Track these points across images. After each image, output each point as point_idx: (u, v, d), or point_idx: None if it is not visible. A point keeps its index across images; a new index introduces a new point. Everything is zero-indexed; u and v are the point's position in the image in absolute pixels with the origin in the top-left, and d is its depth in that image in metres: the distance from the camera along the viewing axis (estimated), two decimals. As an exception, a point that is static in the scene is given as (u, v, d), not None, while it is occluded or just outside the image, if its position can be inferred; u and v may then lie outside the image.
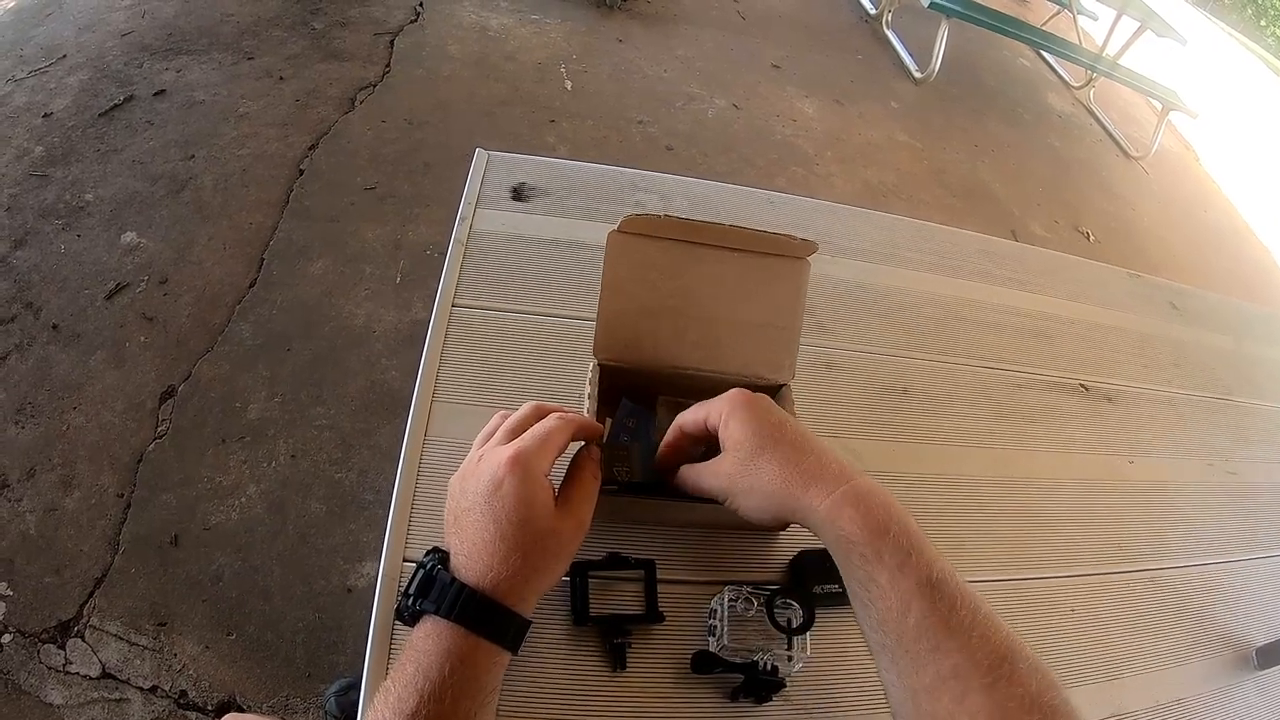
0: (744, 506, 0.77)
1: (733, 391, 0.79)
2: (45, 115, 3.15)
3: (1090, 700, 1.03)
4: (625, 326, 0.96)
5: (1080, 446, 1.38)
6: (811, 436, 0.76)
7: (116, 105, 3.26)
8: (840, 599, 0.93)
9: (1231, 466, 1.49)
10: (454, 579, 0.67)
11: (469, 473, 0.74)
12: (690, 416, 0.82)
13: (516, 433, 0.75)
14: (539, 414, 0.78)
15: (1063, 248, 3.10)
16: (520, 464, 0.70)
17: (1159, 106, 6.20)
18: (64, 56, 3.45)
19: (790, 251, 0.96)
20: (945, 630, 0.61)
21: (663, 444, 0.86)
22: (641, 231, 0.92)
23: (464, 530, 0.70)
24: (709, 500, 0.87)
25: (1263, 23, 13.02)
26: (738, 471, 0.75)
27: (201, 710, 1.88)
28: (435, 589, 0.67)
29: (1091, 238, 4.92)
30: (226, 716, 0.89)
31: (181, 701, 1.88)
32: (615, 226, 0.92)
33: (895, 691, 0.64)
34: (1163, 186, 6.16)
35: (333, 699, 1.90)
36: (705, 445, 0.83)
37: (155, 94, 3.37)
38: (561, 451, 0.76)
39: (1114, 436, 1.42)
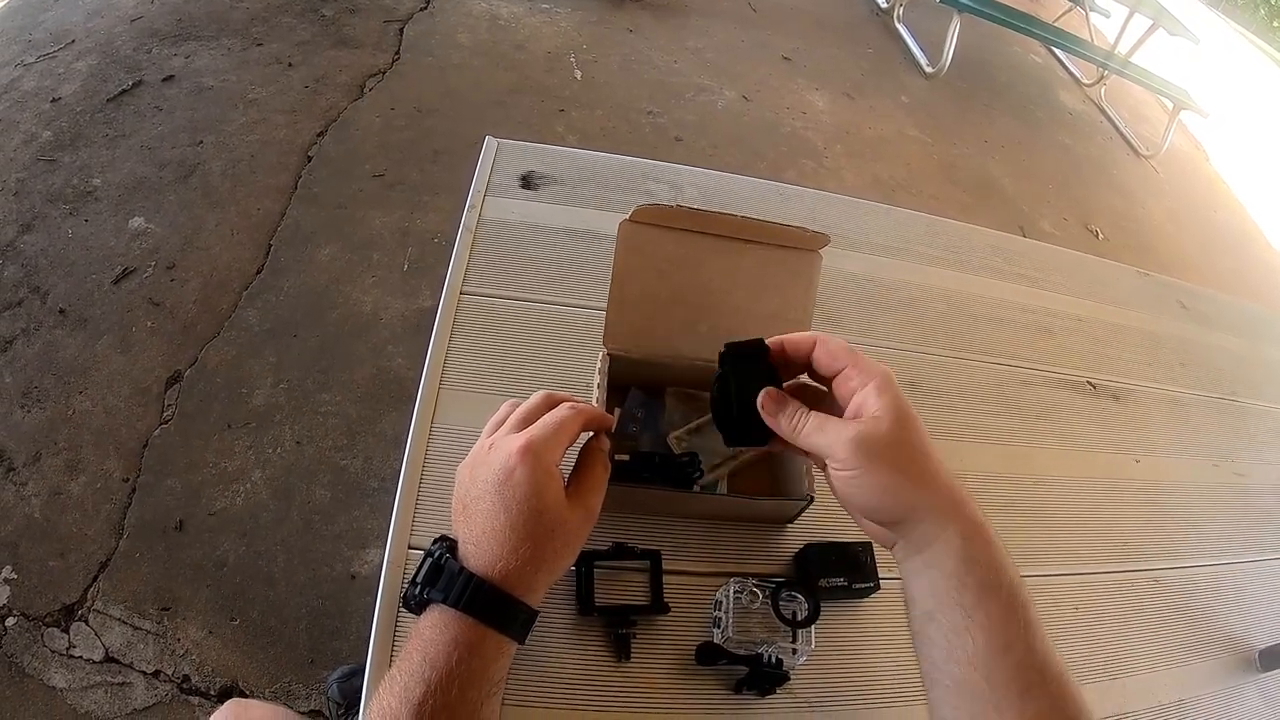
0: (857, 486, 0.68)
1: (885, 367, 0.71)
2: (54, 100, 3.15)
3: (1092, 699, 1.02)
4: (635, 316, 0.96)
5: (1086, 444, 1.38)
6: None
7: (125, 90, 3.26)
8: (845, 593, 0.94)
9: (1237, 468, 1.49)
10: (463, 568, 0.67)
11: (479, 461, 0.73)
12: (837, 349, 0.73)
13: (527, 422, 0.75)
14: (550, 403, 0.78)
15: (1072, 245, 3.08)
16: (532, 453, 0.69)
17: (1170, 105, 6.18)
18: (73, 41, 3.45)
19: (802, 244, 0.96)
20: (1040, 676, 0.61)
21: (778, 340, 0.77)
22: (653, 221, 0.92)
23: (473, 519, 0.70)
24: (718, 494, 0.88)
25: (1276, 24, 12.97)
26: (889, 441, 0.66)
27: (204, 695, 1.88)
28: (444, 578, 0.67)
29: (1100, 236, 4.91)
30: (228, 702, 0.89)
31: (184, 686, 1.89)
32: (626, 216, 0.92)
33: None
34: (1173, 186, 6.14)
35: (335, 685, 1.90)
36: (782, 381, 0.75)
37: (164, 80, 3.37)
38: (573, 441, 0.76)
39: (1120, 435, 1.42)
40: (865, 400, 0.69)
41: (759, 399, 0.74)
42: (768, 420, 0.73)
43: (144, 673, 1.89)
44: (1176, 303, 1.83)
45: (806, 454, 0.74)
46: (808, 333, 0.75)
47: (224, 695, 1.90)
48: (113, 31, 3.56)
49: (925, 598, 0.66)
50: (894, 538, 0.70)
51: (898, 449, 0.66)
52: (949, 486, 0.67)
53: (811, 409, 0.72)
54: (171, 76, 3.39)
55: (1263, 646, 1.19)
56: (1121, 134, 6.36)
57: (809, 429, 0.70)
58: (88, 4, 3.69)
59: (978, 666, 0.61)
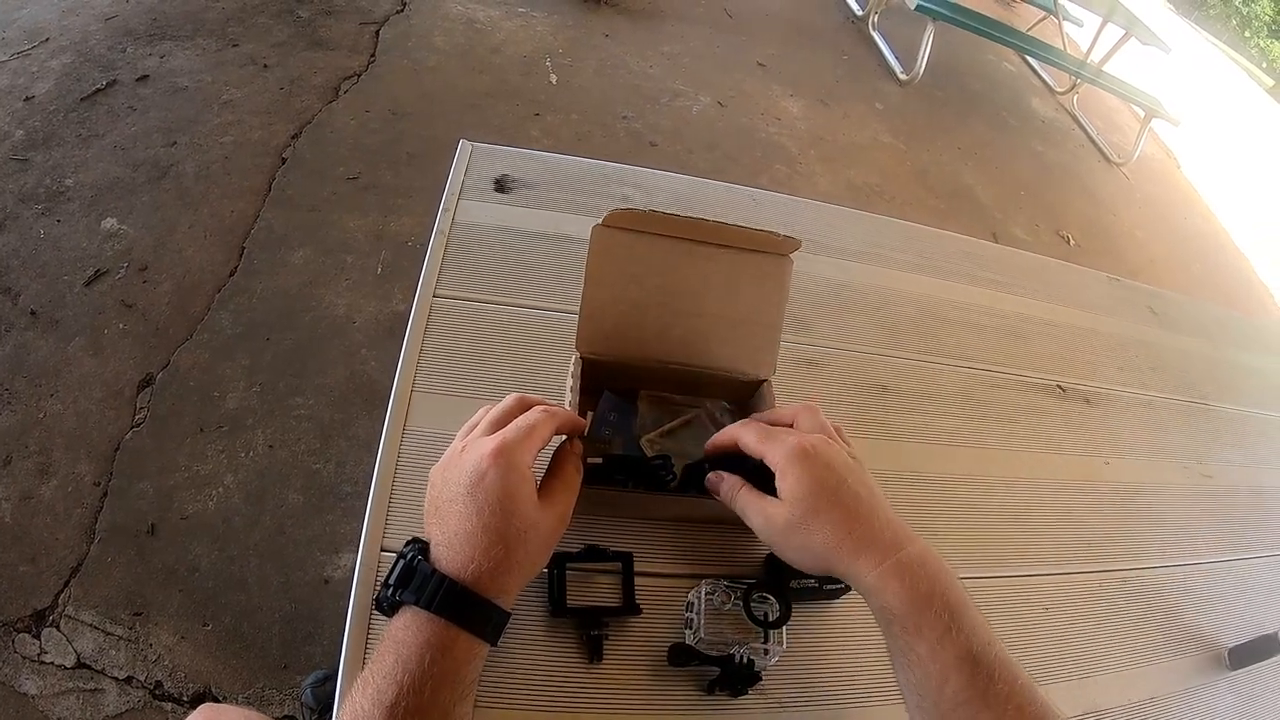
0: (788, 557, 0.78)
1: (794, 441, 0.78)
2: (27, 99, 3.12)
3: (1063, 698, 1.04)
4: (608, 320, 0.96)
5: (1057, 447, 1.39)
6: (868, 495, 0.76)
7: (99, 90, 3.23)
8: (816, 594, 0.94)
9: (1206, 469, 1.50)
10: (435, 570, 0.66)
11: (451, 463, 0.73)
12: (751, 442, 0.81)
13: (500, 425, 0.75)
14: (522, 406, 0.78)
15: (1043, 251, 3.11)
16: (504, 456, 0.70)
17: (1141, 113, 6.25)
18: (47, 40, 3.42)
19: (774, 248, 0.97)
20: (982, 702, 0.64)
21: (711, 443, 0.87)
22: (626, 225, 0.92)
23: (446, 521, 0.70)
24: (691, 494, 0.88)
25: (1247, 33, 13.12)
26: (789, 526, 0.75)
27: (177, 701, 1.87)
28: (416, 580, 0.66)
29: (1072, 242, 4.96)
30: (201, 707, 0.89)
31: (157, 692, 1.87)
32: (599, 220, 0.92)
33: None
34: (1144, 193, 6.21)
35: (309, 690, 1.89)
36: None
37: (138, 79, 3.35)
38: (545, 444, 0.76)
39: (1091, 438, 1.44)
40: (779, 483, 0.77)
41: (706, 477, 0.86)
42: (710, 489, 0.85)
43: (116, 679, 1.87)
44: (1146, 308, 1.85)
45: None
46: (728, 429, 0.85)
47: (196, 701, 1.88)
48: (87, 30, 3.53)
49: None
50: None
51: (812, 525, 0.74)
52: (870, 543, 0.73)
53: None
54: (146, 76, 3.37)
55: (1232, 645, 1.20)
56: (1093, 141, 6.43)
57: (739, 503, 0.81)
58: (62, 2, 3.66)
59: (926, 696, 0.67)
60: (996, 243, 3.02)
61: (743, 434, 0.82)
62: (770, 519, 0.77)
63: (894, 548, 0.71)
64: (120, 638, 1.93)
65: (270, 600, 2.05)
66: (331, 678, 1.86)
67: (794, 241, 0.95)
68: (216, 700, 1.89)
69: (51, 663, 1.86)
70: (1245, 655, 1.18)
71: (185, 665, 1.92)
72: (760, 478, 0.80)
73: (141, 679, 1.88)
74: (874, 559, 0.71)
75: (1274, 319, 5.84)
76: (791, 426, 0.85)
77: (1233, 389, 1.75)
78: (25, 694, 1.82)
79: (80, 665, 1.87)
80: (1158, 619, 1.20)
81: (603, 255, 0.94)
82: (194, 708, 0.89)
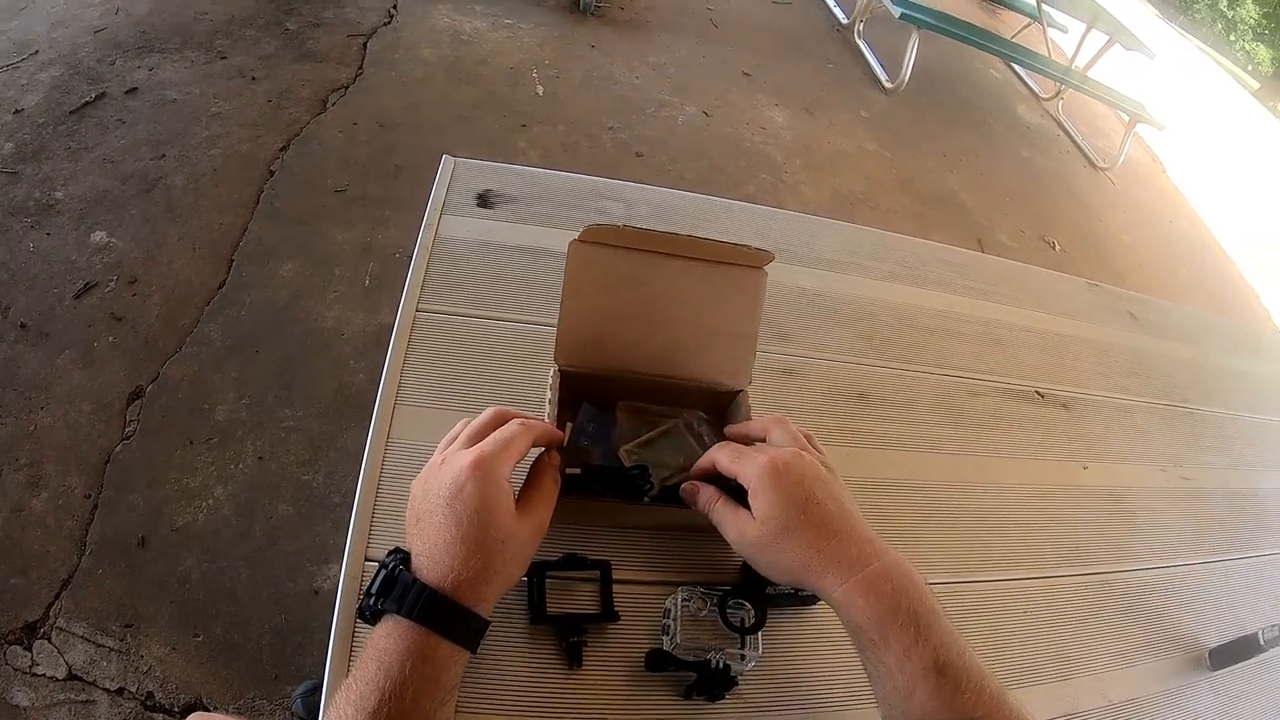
0: (761, 570, 0.81)
1: (766, 460, 0.80)
2: (16, 111, 3.13)
3: (1044, 700, 1.05)
4: (586, 333, 0.98)
5: (1035, 452, 1.40)
6: (838, 510, 0.78)
7: (88, 102, 3.24)
8: (790, 600, 0.95)
9: (1185, 472, 1.52)
10: (415, 579, 0.68)
11: (431, 476, 0.75)
12: (726, 462, 0.84)
13: (479, 437, 0.77)
14: (501, 419, 0.80)
15: (1029, 257, 3.13)
16: (482, 468, 0.72)
17: (1126, 118, 6.28)
18: (36, 52, 3.42)
19: (748, 261, 0.98)
20: (948, 711, 0.66)
21: (695, 469, 0.90)
22: (601, 240, 0.94)
23: (426, 532, 0.71)
24: (669, 503, 0.90)
25: (1232, 37, 13.18)
26: (760, 543, 0.78)
27: (168, 712, 1.88)
28: (397, 589, 0.68)
29: (1057, 247, 4.98)
30: (192, 716, 0.90)
31: (148, 703, 1.88)
32: (576, 235, 0.94)
33: None
34: (1130, 197, 6.23)
35: (299, 700, 1.90)
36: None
37: (127, 92, 3.36)
38: (522, 456, 0.78)
39: (1069, 443, 1.45)
40: (752, 501, 0.80)
41: (681, 486, 0.89)
42: (686, 499, 0.88)
43: (107, 690, 1.88)
44: (1127, 313, 1.86)
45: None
46: (706, 454, 0.88)
47: (188, 711, 1.89)
48: (76, 42, 3.54)
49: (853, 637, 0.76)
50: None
51: (783, 542, 0.77)
52: (838, 559, 0.75)
53: None
54: (135, 89, 3.38)
55: (1212, 646, 1.21)
56: (1079, 147, 6.46)
57: (715, 516, 0.84)
58: (52, 14, 3.67)
59: (894, 705, 0.70)
60: (982, 249, 3.04)
61: (718, 456, 0.85)
62: (743, 534, 0.79)
63: (860, 563, 0.74)
64: (111, 649, 1.93)
65: (261, 611, 2.06)
66: (322, 688, 1.87)
67: (767, 254, 0.97)
68: (207, 710, 1.90)
69: (43, 674, 1.87)
70: (1226, 656, 1.19)
71: (176, 676, 1.92)
72: (737, 489, 0.82)
73: (133, 690, 1.89)
74: (841, 575, 0.73)
75: (1260, 321, 5.87)
76: (764, 439, 0.88)
77: (1213, 392, 1.76)
78: (17, 706, 1.82)
79: (72, 677, 1.88)
80: (1139, 621, 1.21)
81: (580, 270, 0.95)
82: (185, 718, 0.90)
